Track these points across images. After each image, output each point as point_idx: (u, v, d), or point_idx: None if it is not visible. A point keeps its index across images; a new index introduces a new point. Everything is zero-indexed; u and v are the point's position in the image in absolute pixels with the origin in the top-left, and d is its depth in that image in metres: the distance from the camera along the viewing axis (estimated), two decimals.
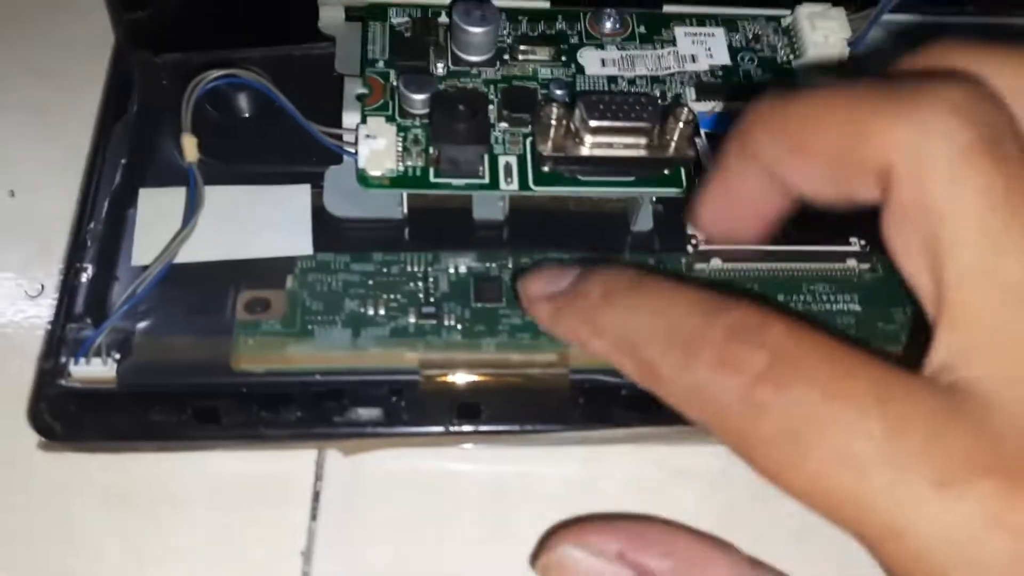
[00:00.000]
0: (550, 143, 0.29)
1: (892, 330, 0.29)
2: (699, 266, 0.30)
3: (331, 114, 0.31)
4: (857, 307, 0.29)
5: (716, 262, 0.30)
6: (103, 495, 0.27)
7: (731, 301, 0.19)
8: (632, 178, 0.30)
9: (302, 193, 0.31)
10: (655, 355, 0.19)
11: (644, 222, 0.31)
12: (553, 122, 0.28)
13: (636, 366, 0.20)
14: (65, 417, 0.27)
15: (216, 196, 0.30)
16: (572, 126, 0.29)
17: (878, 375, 0.17)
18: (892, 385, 0.17)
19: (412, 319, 0.28)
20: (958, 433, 0.16)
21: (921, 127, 0.17)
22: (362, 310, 0.28)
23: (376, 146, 0.29)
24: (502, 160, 0.30)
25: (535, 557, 0.26)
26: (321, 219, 0.30)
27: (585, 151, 0.29)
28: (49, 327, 0.28)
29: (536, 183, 0.29)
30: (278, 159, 0.32)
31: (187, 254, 0.28)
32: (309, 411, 0.28)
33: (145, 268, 0.28)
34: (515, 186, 0.29)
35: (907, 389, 0.17)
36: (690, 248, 0.30)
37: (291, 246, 0.29)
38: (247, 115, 0.33)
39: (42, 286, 0.30)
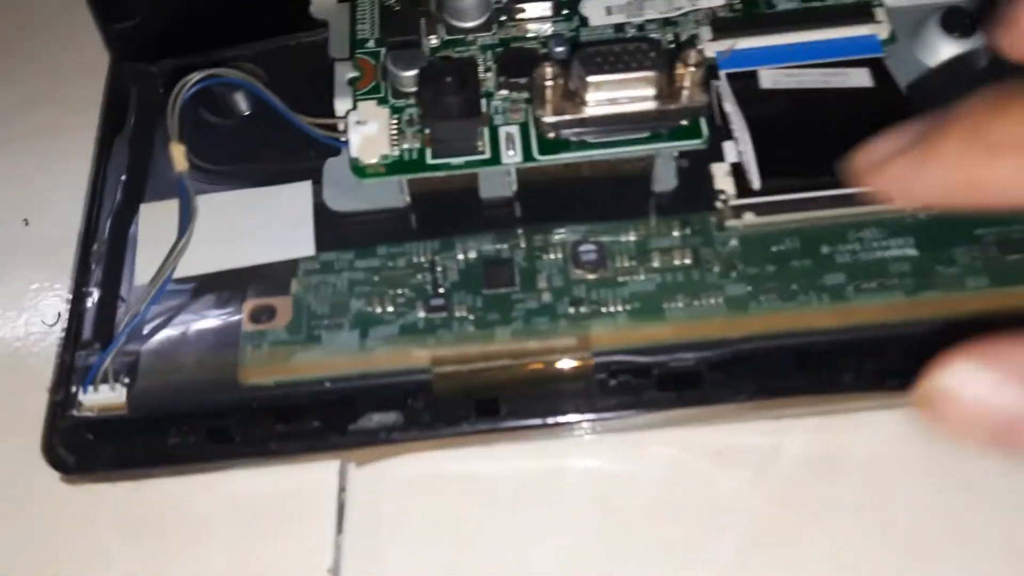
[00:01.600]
0: (549, 107, 0.26)
1: (954, 274, 0.26)
2: (731, 223, 0.27)
3: (326, 102, 0.30)
4: (913, 251, 0.26)
5: (749, 216, 0.27)
6: (125, 523, 0.26)
7: None
8: (646, 134, 0.27)
9: (303, 191, 0.29)
10: None
11: (666, 181, 0.28)
12: (548, 83, 0.26)
13: None
14: (78, 448, 0.26)
15: (214, 203, 0.29)
16: (571, 85, 0.26)
17: None
18: None
19: (421, 314, 0.27)
20: None
21: None
22: (369, 309, 0.27)
23: (367, 131, 0.27)
24: (503, 131, 0.28)
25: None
26: (323, 216, 0.29)
27: (589, 111, 0.26)
28: (57, 354, 0.28)
29: (541, 152, 0.27)
30: (279, 157, 0.30)
31: (186, 267, 0.27)
32: (322, 421, 0.26)
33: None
34: (518, 158, 0.27)
35: None
36: (719, 204, 0.27)
37: (293, 248, 0.28)
38: (247, 113, 0.32)
39: (59, 314, 0.30)
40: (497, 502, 0.26)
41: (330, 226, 0.29)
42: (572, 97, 0.26)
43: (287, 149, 0.30)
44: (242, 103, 0.32)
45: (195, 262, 0.28)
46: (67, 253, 0.31)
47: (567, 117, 0.26)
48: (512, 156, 0.27)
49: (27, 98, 0.35)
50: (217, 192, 0.29)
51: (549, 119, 0.26)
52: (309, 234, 0.28)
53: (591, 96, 0.26)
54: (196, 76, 0.28)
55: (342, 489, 0.27)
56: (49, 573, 0.26)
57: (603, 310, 0.26)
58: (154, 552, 0.26)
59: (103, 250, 0.29)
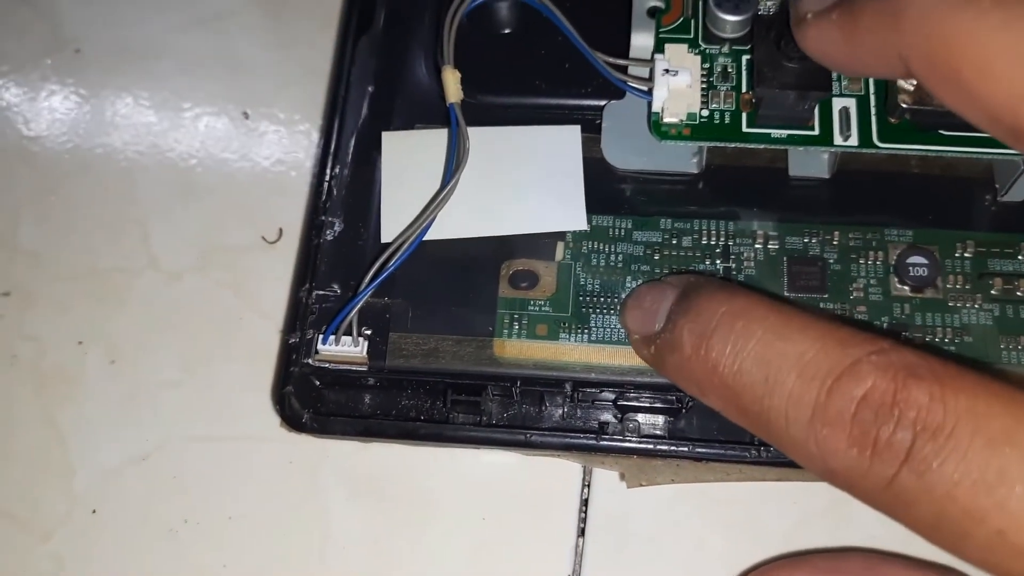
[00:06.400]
0: (913, 89, 0.22)
1: None
2: None
3: (616, 34, 0.25)
4: None
5: None
6: (348, 481, 0.24)
7: (859, 349, 0.16)
8: None
9: (571, 136, 0.25)
10: (773, 420, 0.17)
11: (1016, 190, 0.24)
12: None
13: (754, 426, 0.17)
14: (309, 400, 0.24)
15: (473, 139, 0.24)
16: None
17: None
18: None
19: None
20: None
21: None
22: None
23: (677, 84, 0.23)
24: (837, 104, 0.23)
25: None
26: (597, 169, 0.25)
27: None
28: (290, 291, 0.25)
29: (882, 138, 0.23)
30: (542, 88, 0.26)
31: (444, 229, 0.24)
32: (580, 414, 0.23)
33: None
34: (854, 141, 0.23)
35: None
36: None
37: (562, 218, 0.24)
38: (508, 31, 0.27)
39: (280, 230, 0.27)
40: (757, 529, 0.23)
41: (605, 183, 0.25)
42: None
43: (557, 79, 0.26)
44: (502, 18, 0.27)
45: (452, 222, 0.24)
46: (293, 158, 0.28)
47: (932, 107, 0.22)
48: (847, 138, 0.23)
49: None
50: (475, 128, 0.25)
51: (909, 104, 0.22)
52: (580, 202, 0.24)
53: None
54: None
55: (586, 485, 0.24)
56: (261, 518, 0.24)
57: (928, 340, 0.22)
58: (377, 519, 0.24)
59: (345, 175, 0.25)
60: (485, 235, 0.24)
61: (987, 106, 0.16)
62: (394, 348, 0.23)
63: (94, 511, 0.24)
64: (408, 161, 0.25)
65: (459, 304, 0.24)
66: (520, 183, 0.25)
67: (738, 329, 0.17)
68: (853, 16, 0.18)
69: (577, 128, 0.25)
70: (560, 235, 0.24)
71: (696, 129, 0.23)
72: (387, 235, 0.24)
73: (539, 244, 0.24)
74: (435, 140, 0.25)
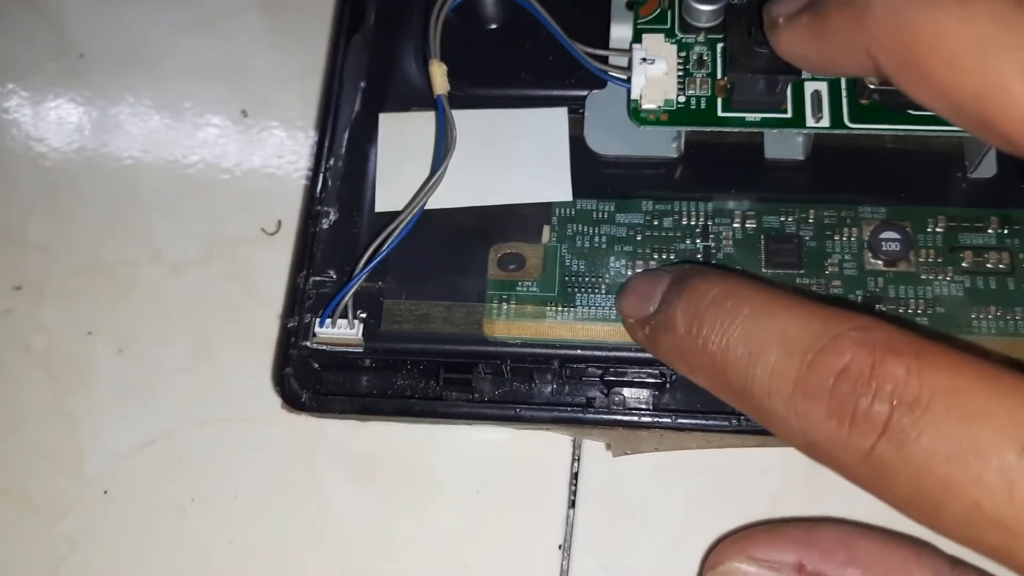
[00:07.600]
0: None
1: None
2: None
3: (597, 26, 0.26)
4: None
5: None
6: (346, 461, 0.25)
7: (840, 325, 0.16)
8: None
9: (558, 118, 0.26)
10: (757, 394, 0.17)
11: (985, 168, 0.25)
12: None
13: (739, 402, 0.18)
14: (308, 382, 0.25)
15: (463, 122, 0.26)
16: None
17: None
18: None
19: None
20: None
21: None
22: (629, 272, 0.24)
23: (654, 72, 0.24)
24: (809, 87, 0.24)
25: (700, 573, 0.23)
26: (580, 155, 0.26)
27: None
28: (288, 278, 0.26)
29: (854, 119, 0.24)
30: (527, 79, 0.27)
31: (435, 200, 0.25)
32: (568, 389, 0.24)
33: (388, 212, 0.25)
34: (826, 122, 0.24)
35: None
36: None
37: (548, 191, 0.25)
38: (494, 26, 0.28)
39: (279, 222, 0.28)
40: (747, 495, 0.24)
41: (588, 169, 0.26)
42: None
43: (536, 71, 0.27)
44: (490, 12, 0.28)
45: (443, 195, 0.25)
46: (291, 153, 0.29)
47: (896, 88, 0.22)
48: (819, 120, 0.24)
49: None
50: (465, 111, 0.26)
51: (875, 84, 0.23)
52: (566, 175, 0.25)
53: None
54: None
55: (576, 459, 0.25)
56: (264, 496, 0.25)
57: (900, 312, 0.23)
58: (375, 495, 0.25)
59: (339, 166, 0.26)
60: (474, 204, 0.25)
61: (953, 98, 0.17)
62: (388, 314, 0.24)
63: (105, 492, 0.25)
64: (403, 141, 0.26)
65: (449, 280, 0.24)
66: (508, 160, 0.26)
67: (727, 308, 0.18)
68: (821, 17, 0.19)
69: (564, 110, 0.26)
70: (546, 218, 0.25)
71: (673, 115, 0.24)
72: (380, 205, 0.25)
73: (526, 228, 0.25)
74: (429, 123, 0.26)
